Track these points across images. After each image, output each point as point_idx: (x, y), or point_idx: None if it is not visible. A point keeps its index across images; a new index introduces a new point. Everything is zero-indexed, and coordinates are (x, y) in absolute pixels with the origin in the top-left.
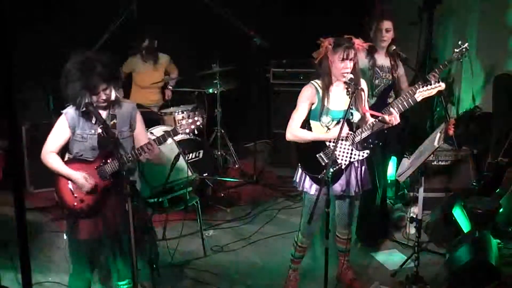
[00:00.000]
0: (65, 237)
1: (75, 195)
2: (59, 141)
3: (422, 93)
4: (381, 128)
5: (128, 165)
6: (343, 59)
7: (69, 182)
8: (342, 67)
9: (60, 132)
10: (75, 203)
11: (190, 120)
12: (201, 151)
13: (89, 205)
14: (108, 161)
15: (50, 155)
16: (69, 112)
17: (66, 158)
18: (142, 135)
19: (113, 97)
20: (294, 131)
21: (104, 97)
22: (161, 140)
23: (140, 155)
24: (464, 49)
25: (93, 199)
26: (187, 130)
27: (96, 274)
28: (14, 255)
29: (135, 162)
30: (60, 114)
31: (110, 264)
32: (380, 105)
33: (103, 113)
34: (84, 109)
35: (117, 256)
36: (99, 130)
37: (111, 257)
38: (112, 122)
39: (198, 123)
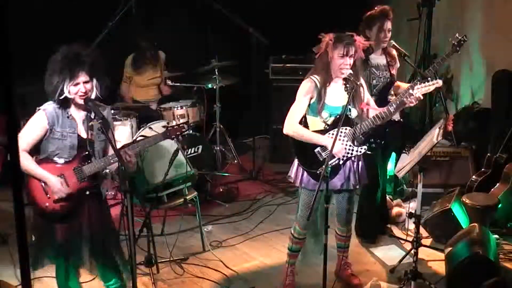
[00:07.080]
0: (32, 238)
1: (48, 195)
2: (33, 139)
3: (420, 89)
4: (381, 123)
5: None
6: (342, 56)
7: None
8: (341, 64)
9: (36, 129)
10: (47, 204)
11: (176, 126)
12: (200, 147)
13: (63, 207)
14: (87, 162)
15: (22, 154)
16: (48, 108)
17: (34, 158)
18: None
19: (93, 95)
20: (294, 127)
21: (84, 90)
22: (135, 146)
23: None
24: (462, 41)
25: (68, 201)
26: (173, 136)
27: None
28: (13, 250)
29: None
30: (36, 110)
31: (96, 266)
32: (380, 103)
33: (83, 114)
34: (62, 97)
35: (97, 258)
36: (80, 130)
37: (91, 259)
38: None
39: (183, 130)
